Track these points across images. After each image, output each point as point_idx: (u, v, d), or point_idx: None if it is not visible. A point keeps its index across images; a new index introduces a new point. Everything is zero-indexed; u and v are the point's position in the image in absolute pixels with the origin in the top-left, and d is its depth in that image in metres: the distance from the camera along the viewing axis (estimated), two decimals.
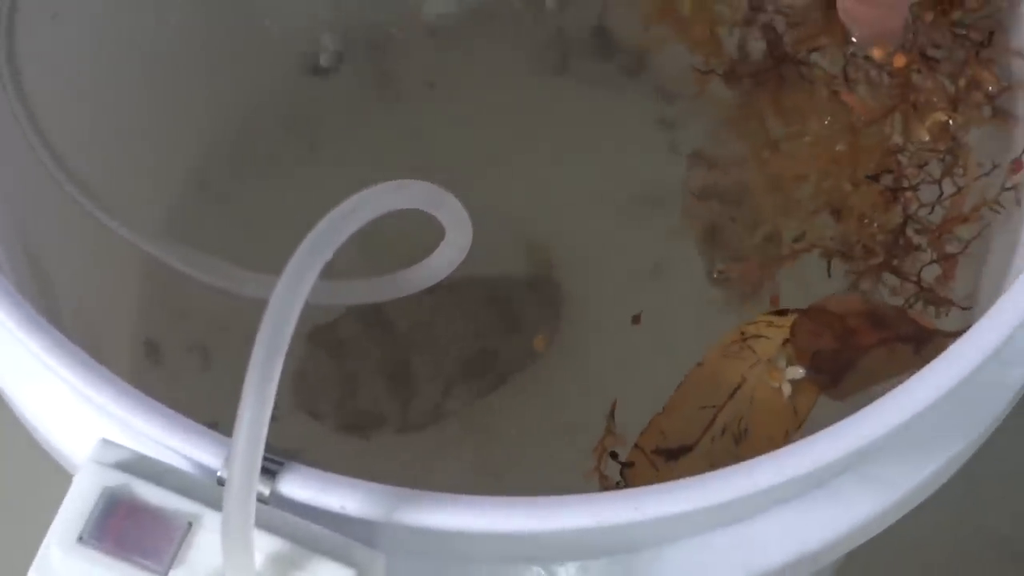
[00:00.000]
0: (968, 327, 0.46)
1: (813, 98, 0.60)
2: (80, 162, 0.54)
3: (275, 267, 0.43)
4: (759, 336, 0.54)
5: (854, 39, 0.59)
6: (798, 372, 0.52)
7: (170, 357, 0.62)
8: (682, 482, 0.39)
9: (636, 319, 0.62)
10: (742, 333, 0.54)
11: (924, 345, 0.53)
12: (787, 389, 0.52)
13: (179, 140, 0.70)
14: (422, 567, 0.42)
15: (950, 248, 0.56)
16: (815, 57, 0.61)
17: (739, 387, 0.53)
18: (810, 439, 0.40)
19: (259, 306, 0.46)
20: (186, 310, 0.63)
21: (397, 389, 0.66)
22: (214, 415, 0.43)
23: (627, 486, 0.52)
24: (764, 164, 0.62)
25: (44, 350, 0.39)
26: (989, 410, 0.46)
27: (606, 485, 0.53)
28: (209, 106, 0.71)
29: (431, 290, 0.51)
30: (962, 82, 0.57)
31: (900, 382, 0.43)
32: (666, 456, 0.51)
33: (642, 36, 0.68)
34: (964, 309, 0.54)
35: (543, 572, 0.43)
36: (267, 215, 0.70)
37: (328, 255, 0.37)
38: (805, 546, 0.44)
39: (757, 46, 0.62)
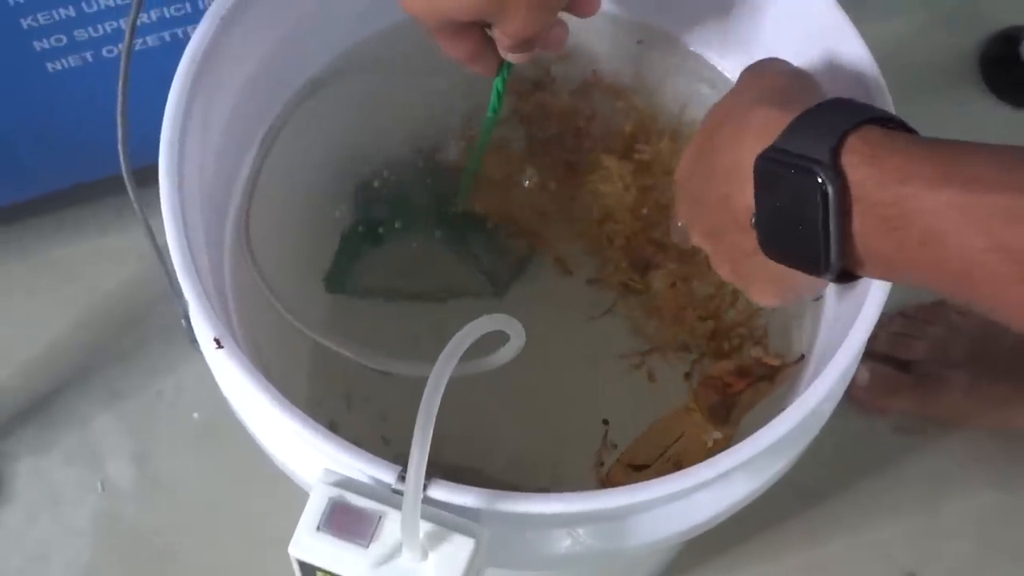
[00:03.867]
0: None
1: None
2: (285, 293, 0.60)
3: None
4: (694, 410, 0.59)
5: None
6: (716, 435, 0.58)
7: (328, 404, 0.65)
8: (654, 481, 0.46)
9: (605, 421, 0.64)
10: (686, 406, 0.59)
11: (775, 376, 0.60)
12: (710, 442, 0.58)
13: None
14: (505, 532, 0.48)
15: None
16: None
17: (681, 436, 0.59)
18: (718, 457, 0.47)
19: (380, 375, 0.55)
20: (335, 376, 0.65)
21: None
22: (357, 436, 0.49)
23: (609, 479, 0.59)
24: None
25: (302, 428, 0.46)
26: (812, 431, 0.54)
27: (599, 478, 0.60)
28: None
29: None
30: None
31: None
32: (634, 468, 0.58)
33: None
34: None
35: (569, 532, 0.50)
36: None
37: (457, 358, 0.44)
38: (719, 509, 0.52)
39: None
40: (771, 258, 0.45)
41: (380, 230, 0.70)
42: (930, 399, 0.89)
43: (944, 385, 0.88)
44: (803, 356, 0.60)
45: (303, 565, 0.45)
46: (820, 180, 0.41)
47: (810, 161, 0.41)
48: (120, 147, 0.53)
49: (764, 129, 0.44)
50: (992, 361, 0.88)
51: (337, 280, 0.70)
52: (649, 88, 0.70)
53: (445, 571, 0.44)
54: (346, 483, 0.46)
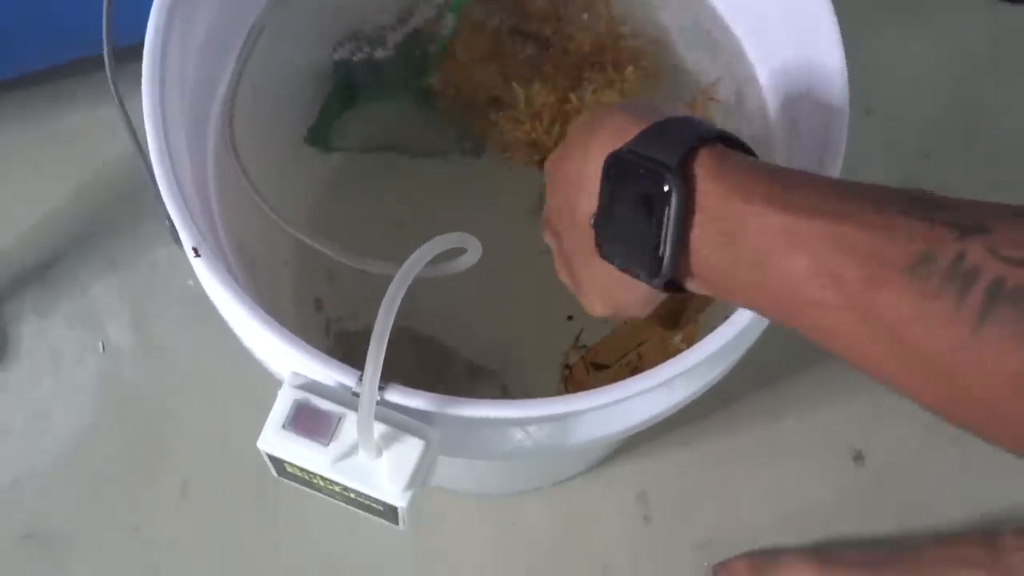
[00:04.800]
0: None
1: None
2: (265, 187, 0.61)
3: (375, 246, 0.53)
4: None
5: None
6: (678, 337, 0.59)
7: (313, 284, 0.67)
8: (597, 390, 0.49)
9: (570, 317, 0.66)
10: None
11: None
12: (683, 346, 0.58)
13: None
14: (457, 432, 0.50)
15: None
16: None
17: (643, 343, 0.60)
18: (655, 369, 0.49)
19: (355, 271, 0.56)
20: (319, 262, 0.65)
21: None
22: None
23: (572, 375, 0.62)
24: None
25: (272, 334, 0.48)
26: (743, 346, 0.56)
27: (563, 375, 0.62)
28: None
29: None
30: None
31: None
32: (594, 367, 0.60)
33: None
34: None
35: (520, 429, 0.52)
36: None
37: (417, 270, 0.46)
38: (657, 411, 0.54)
39: None
40: (604, 258, 0.45)
41: (359, 94, 0.73)
42: None
43: None
44: None
45: (271, 458, 0.48)
46: (667, 185, 0.41)
47: (659, 164, 0.41)
48: (105, 52, 0.54)
49: (616, 133, 0.44)
50: None
51: (319, 135, 0.73)
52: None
53: (396, 468, 0.47)
54: (311, 386, 0.48)
